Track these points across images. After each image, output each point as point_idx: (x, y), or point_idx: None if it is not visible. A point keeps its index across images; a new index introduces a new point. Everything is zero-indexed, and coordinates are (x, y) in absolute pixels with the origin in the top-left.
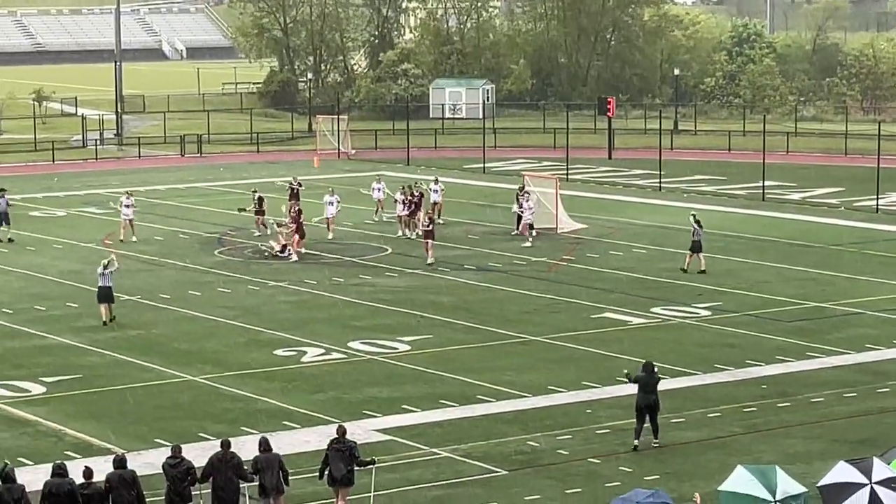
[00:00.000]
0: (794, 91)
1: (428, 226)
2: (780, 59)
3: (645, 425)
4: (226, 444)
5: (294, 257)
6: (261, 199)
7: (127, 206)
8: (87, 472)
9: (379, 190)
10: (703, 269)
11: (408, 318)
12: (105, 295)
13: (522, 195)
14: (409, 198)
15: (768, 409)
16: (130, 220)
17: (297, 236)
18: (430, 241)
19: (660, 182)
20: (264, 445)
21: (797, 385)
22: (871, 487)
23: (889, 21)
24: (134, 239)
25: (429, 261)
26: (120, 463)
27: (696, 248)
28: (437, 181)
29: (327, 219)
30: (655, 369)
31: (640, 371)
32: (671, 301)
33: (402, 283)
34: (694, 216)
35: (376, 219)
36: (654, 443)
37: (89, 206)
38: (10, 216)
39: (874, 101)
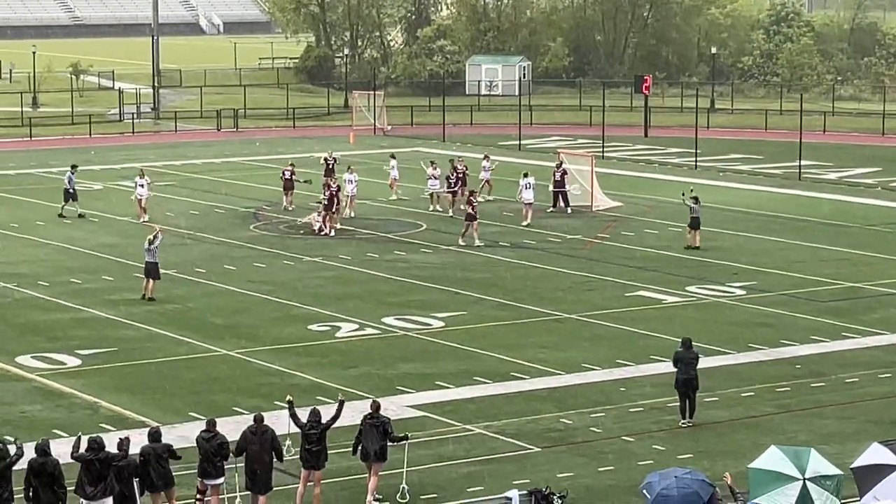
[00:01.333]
0: (832, 70)
1: (471, 208)
2: (818, 38)
3: None
4: (259, 419)
5: (330, 233)
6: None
7: (141, 186)
8: (122, 443)
9: (394, 168)
10: (697, 245)
11: (442, 295)
12: (150, 270)
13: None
14: (454, 174)
15: (802, 389)
16: (143, 199)
17: (330, 212)
18: (472, 223)
19: (696, 160)
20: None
21: (831, 365)
22: None
23: None
24: (146, 218)
25: (476, 242)
26: (154, 436)
27: (694, 224)
28: (487, 158)
29: (349, 197)
30: (692, 345)
31: (678, 347)
32: (706, 280)
33: (437, 259)
34: (692, 192)
35: (394, 198)
36: (688, 422)
37: (126, 179)
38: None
39: None
